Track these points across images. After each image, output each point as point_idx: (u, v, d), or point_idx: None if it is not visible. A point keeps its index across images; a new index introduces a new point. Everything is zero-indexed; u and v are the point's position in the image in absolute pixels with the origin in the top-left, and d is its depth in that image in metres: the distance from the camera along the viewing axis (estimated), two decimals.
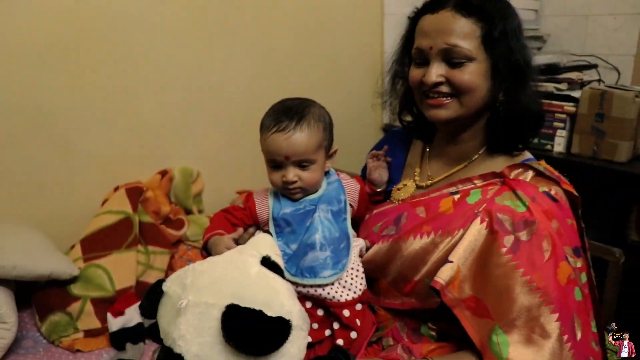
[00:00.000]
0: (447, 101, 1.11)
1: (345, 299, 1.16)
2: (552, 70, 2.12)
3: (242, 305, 0.96)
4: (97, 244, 1.87)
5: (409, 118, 1.32)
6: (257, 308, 0.96)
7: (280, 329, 0.96)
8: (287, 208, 1.23)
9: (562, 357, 0.98)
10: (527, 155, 1.19)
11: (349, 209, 1.27)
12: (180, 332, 0.99)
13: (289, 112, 1.18)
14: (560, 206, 1.07)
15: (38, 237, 1.79)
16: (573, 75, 2.10)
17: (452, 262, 1.05)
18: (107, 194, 2.07)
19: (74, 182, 2.06)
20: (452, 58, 1.08)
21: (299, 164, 1.19)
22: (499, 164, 1.16)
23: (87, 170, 2.07)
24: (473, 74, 1.08)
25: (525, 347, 0.98)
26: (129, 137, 2.14)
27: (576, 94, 2.06)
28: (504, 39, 1.07)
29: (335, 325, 1.18)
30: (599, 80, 2.29)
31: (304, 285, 1.16)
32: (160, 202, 2.09)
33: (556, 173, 1.11)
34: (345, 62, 2.64)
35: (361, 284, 1.19)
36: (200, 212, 2.32)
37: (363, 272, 1.20)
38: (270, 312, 0.96)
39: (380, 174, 1.32)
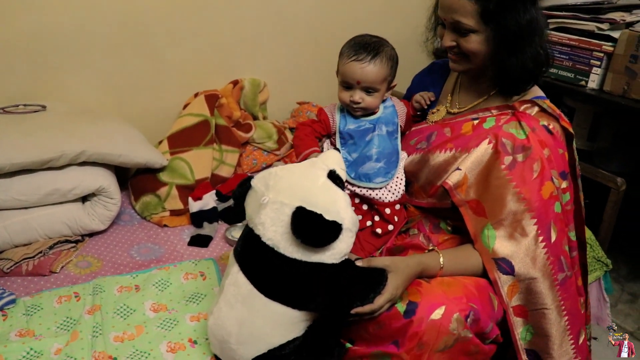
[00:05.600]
0: (459, 59, 1.35)
1: (389, 200, 1.42)
2: (595, 10, 2.11)
3: (308, 208, 1.14)
4: (180, 141, 2.07)
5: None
6: (318, 212, 1.14)
7: (333, 230, 1.14)
8: (351, 124, 1.46)
9: (535, 253, 1.24)
10: (537, 92, 1.38)
11: (399, 129, 1.50)
12: (261, 219, 1.20)
13: (368, 47, 1.38)
14: (555, 138, 1.29)
15: (135, 132, 1.99)
16: (617, 15, 2.07)
17: (460, 169, 1.31)
18: (188, 99, 2.27)
19: (162, 87, 2.25)
20: (459, 30, 1.30)
21: (366, 90, 1.41)
22: (511, 99, 1.37)
23: (172, 77, 2.26)
24: (475, 42, 1.30)
25: (507, 241, 1.25)
26: (208, 50, 2.30)
27: (616, 34, 2.04)
28: (498, 14, 1.25)
29: (376, 218, 1.44)
30: None
31: (359, 187, 1.42)
32: (233, 108, 2.26)
33: (557, 111, 1.32)
34: None
35: (402, 189, 1.45)
36: (264, 118, 2.47)
37: (404, 179, 1.46)
38: (328, 216, 1.13)
39: (422, 104, 1.54)
